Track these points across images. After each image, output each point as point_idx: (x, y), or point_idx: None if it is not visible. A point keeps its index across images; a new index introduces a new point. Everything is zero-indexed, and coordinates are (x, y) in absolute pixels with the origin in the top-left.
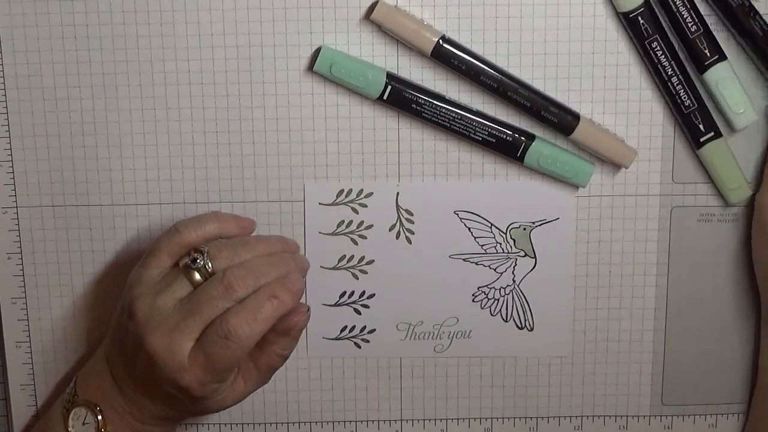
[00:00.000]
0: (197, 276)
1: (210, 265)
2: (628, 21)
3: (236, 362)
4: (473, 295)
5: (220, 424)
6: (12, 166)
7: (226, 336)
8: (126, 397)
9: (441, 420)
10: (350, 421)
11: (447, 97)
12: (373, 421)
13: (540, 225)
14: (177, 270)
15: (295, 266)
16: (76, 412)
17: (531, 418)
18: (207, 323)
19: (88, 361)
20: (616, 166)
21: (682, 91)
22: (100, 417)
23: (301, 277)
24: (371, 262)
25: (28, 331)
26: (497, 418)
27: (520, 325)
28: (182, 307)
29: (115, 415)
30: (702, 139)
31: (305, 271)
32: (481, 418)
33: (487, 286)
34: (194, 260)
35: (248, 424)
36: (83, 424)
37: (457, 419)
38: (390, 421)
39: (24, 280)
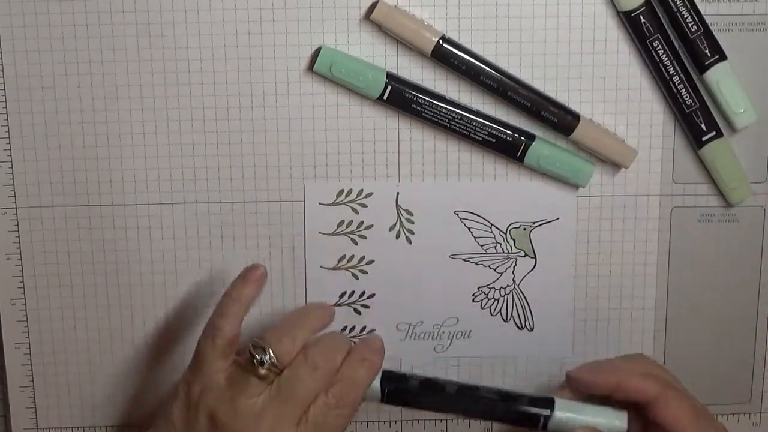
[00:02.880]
0: (263, 371)
1: (275, 357)
2: (629, 20)
3: (346, 426)
4: (473, 295)
5: None
6: (11, 167)
7: (337, 405)
8: None
9: (441, 420)
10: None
11: (447, 97)
12: (373, 421)
13: (540, 225)
14: (240, 368)
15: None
16: None
17: None
18: (305, 407)
19: None
20: (616, 166)
21: (684, 90)
22: None
23: (376, 336)
24: (371, 262)
25: (27, 332)
26: None
27: (520, 325)
28: (274, 399)
29: None
30: (704, 139)
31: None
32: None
33: (487, 286)
34: (261, 362)
35: None
36: None
37: (458, 419)
38: (390, 421)
39: (23, 281)
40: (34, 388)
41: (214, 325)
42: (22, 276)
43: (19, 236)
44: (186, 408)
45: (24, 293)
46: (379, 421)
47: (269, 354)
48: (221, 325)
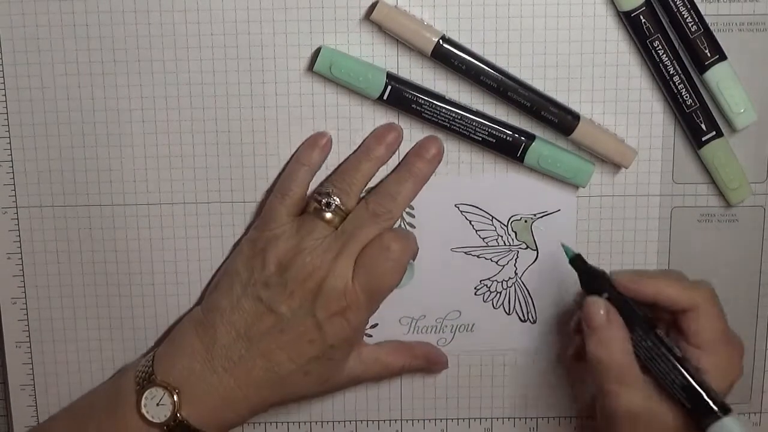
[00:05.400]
0: (329, 214)
1: (339, 200)
2: (629, 20)
3: (394, 282)
4: (475, 288)
5: None
6: (12, 167)
7: (387, 247)
8: (219, 376)
9: (441, 420)
10: (350, 421)
11: (447, 97)
12: (373, 421)
13: (541, 217)
14: (307, 217)
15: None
16: (151, 392)
17: (531, 418)
18: (362, 246)
19: (166, 342)
20: (616, 166)
21: (684, 90)
22: (176, 398)
23: (434, 137)
24: None
25: (28, 331)
26: (497, 418)
27: (522, 318)
28: (339, 237)
29: (196, 398)
30: (704, 139)
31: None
32: (481, 418)
33: (489, 279)
34: (328, 204)
35: (248, 424)
36: (158, 405)
37: (457, 419)
38: (390, 420)
39: (24, 281)
40: (34, 387)
41: (284, 187)
42: (23, 275)
43: (19, 236)
44: (251, 258)
45: (24, 293)
46: (379, 421)
47: (334, 198)
48: (291, 186)
